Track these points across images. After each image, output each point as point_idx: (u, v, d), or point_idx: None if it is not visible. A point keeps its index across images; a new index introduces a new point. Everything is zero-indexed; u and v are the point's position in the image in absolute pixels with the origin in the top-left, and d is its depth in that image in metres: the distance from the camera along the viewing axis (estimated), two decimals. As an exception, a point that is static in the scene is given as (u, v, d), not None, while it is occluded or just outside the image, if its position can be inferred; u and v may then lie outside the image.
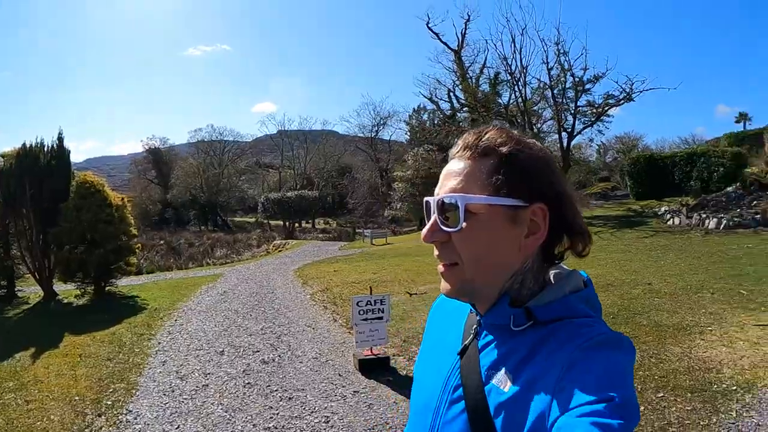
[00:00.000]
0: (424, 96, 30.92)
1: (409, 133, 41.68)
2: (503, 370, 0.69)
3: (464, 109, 28.72)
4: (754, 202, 16.28)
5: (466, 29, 29.50)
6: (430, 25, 29.57)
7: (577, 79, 23.45)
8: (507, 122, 24.60)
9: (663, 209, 20.50)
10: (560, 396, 0.61)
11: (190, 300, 9.18)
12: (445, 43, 29.41)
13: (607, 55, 72.22)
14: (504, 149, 0.71)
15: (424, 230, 0.74)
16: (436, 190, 0.75)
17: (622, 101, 23.13)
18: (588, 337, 0.65)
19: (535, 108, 24.58)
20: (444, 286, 0.76)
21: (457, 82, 28.27)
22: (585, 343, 0.64)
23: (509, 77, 24.15)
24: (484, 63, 28.29)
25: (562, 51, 23.44)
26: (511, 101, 24.57)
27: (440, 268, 0.75)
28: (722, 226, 14.91)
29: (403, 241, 22.32)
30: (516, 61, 23.76)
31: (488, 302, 0.74)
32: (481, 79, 28.35)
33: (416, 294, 8.31)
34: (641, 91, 22.44)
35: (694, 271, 9.04)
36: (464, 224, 0.70)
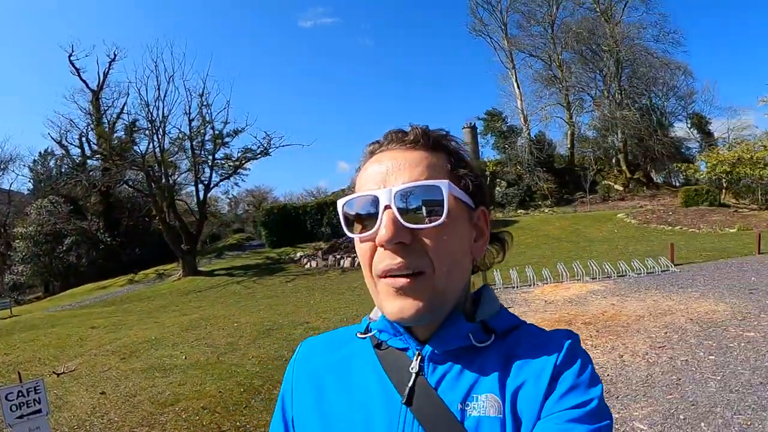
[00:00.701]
0: (54, 139, 26.53)
1: (32, 182, 37.37)
2: (485, 396, 0.61)
3: (96, 156, 26.20)
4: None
5: (110, 69, 27.68)
6: (72, 59, 26.42)
7: (216, 132, 24.29)
8: (144, 173, 23.67)
9: (299, 255, 22.99)
10: (551, 399, 0.59)
11: None
12: (84, 81, 26.69)
13: (248, 111, 79.54)
14: (452, 146, 0.66)
15: (384, 230, 0.60)
16: (378, 186, 0.62)
17: (260, 155, 25.04)
18: (561, 342, 0.63)
19: (172, 159, 24.34)
20: (406, 306, 0.61)
21: (92, 126, 25.56)
22: (565, 347, 0.62)
23: (149, 125, 23.32)
24: (123, 107, 26.75)
25: (205, 103, 24.13)
26: (149, 150, 23.62)
27: (400, 282, 0.61)
28: (356, 263, 17.72)
29: (30, 311, 19.83)
30: (158, 108, 23.26)
31: (437, 322, 0.64)
32: (117, 124, 26.55)
33: (65, 373, 7.45)
34: (278, 147, 24.64)
35: (347, 305, 10.63)
36: (446, 219, 0.60)
